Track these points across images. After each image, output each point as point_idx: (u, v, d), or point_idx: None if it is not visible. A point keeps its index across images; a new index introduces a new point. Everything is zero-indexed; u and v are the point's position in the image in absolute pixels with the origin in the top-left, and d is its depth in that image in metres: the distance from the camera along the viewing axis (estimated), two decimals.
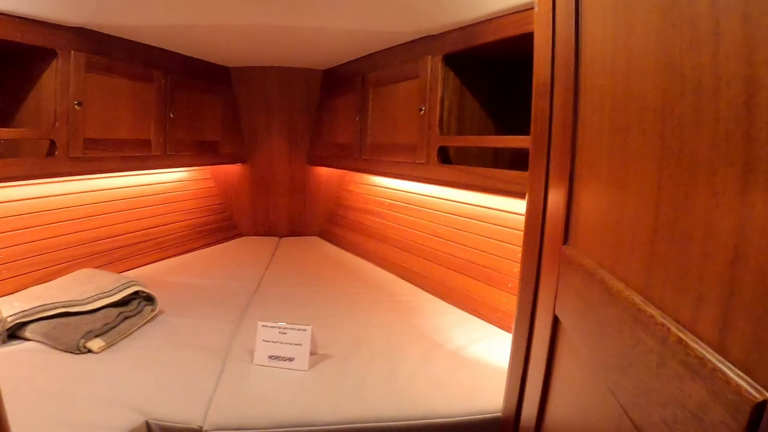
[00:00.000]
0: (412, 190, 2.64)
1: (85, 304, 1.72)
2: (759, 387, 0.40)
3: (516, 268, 1.73)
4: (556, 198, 0.98)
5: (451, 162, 2.07)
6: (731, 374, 0.42)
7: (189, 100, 2.72)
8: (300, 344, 1.55)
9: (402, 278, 2.53)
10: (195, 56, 2.76)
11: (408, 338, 1.77)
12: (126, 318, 1.75)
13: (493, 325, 1.90)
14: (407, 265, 2.53)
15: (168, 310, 1.95)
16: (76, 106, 1.94)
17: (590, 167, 0.82)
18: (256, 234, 3.55)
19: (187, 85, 2.69)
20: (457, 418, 1.32)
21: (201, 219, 3.19)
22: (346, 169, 3.14)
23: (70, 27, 1.90)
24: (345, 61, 2.92)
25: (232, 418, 1.28)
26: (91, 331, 1.59)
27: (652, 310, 0.56)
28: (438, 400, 1.37)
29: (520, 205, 1.63)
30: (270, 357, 1.54)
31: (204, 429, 1.25)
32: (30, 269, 2.01)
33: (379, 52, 2.52)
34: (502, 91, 2.15)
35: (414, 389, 1.42)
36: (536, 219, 1.08)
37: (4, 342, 1.57)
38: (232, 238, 3.42)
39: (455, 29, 1.92)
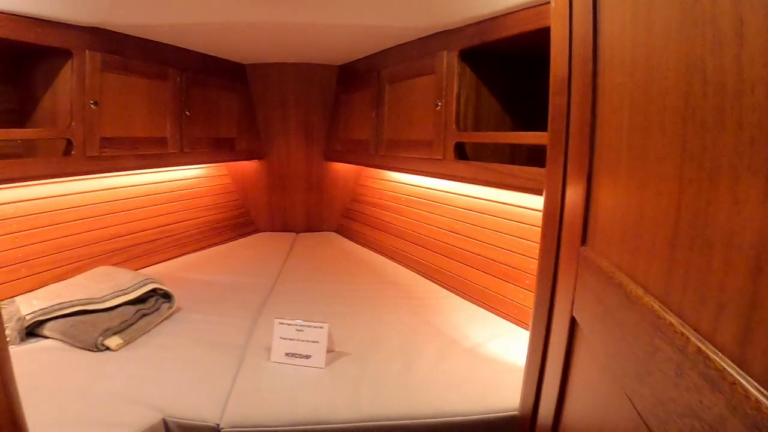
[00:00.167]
0: (428, 185, 2.63)
1: (103, 301, 1.75)
2: None
3: (533, 265, 1.72)
4: (573, 197, 0.96)
5: (468, 158, 2.05)
6: (751, 389, 0.41)
7: (205, 97, 2.73)
8: (317, 341, 1.55)
9: (418, 274, 2.52)
10: (210, 54, 2.77)
11: (424, 335, 1.76)
12: (143, 315, 1.77)
13: (510, 321, 1.89)
14: (424, 261, 2.52)
15: (185, 307, 1.97)
16: (92, 106, 1.96)
17: (609, 167, 0.80)
18: (273, 230, 3.57)
19: (203, 83, 2.70)
20: (473, 417, 1.32)
21: (218, 215, 3.22)
22: (362, 165, 3.13)
23: (85, 27, 1.91)
24: (360, 56, 2.91)
25: (249, 416, 1.29)
26: (108, 329, 1.61)
27: (671, 317, 0.55)
28: (454, 398, 1.37)
29: (537, 201, 1.61)
30: (287, 354, 1.55)
31: (221, 426, 1.26)
32: (48, 267, 2.04)
33: (394, 47, 2.51)
34: (519, 86, 2.12)
35: (430, 387, 1.42)
36: (554, 218, 1.06)
37: (23, 340, 1.60)
38: (249, 234, 3.44)
39: (471, 24, 1.90)
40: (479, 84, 2.06)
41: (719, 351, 0.47)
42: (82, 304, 1.71)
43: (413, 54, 2.33)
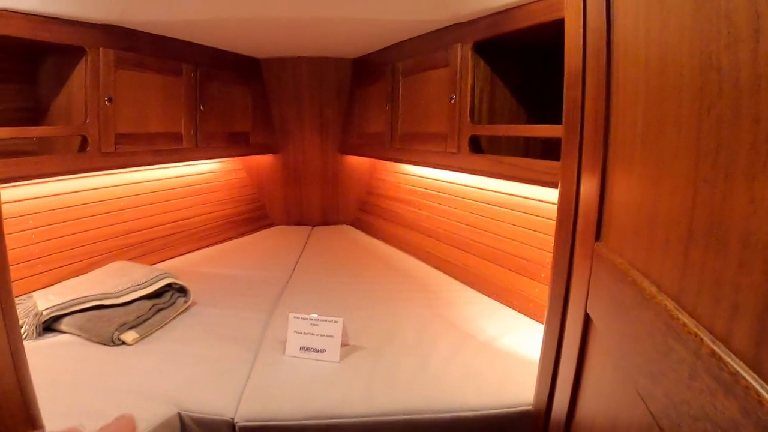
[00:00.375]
0: (443, 178, 2.62)
1: (119, 296, 1.77)
2: None
3: (548, 258, 1.70)
4: (588, 192, 0.95)
5: (482, 151, 2.04)
6: (765, 394, 0.40)
7: (219, 92, 2.73)
8: (331, 336, 1.56)
9: (433, 267, 2.52)
10: (224, 49, 2.77)
11: (439, 329, 1.76)
12: (159, 310, 1.79)
13: (525, 315, 1.87)
14: (439, 254, 2.52)
15: (201, 301, 1.99)
16: (106, 102, 1.97)
17: (623, 161, 0.79)
18: (289, 223, 3.58)
19: (217, 78, 2.71)
20: (487, 411, 1.31)
21: (233, 209, 3.24)
22: (377, 158, 3.13)
23: (99, 24, 1.92)
24: (374, 50, 2.90)
25: (264, 410, 1.30)
26: (124, 324, 1.63)
27: (685, 318, 0.54)
28: (469, 393, 1.36)
29: (552, 194, 1.59)
30: (301, 348, 1.56)
31: (235, 420, 1.27)
32: (64, 263, 2.06)
33: (408, 40, 2.49)
34: (533, 78, 2.10)
35: (445, 382, 1.42)
36: (568, 213, 1.05)
37: (40, 335, 1.62)
38: (265, 227, 3.46)
39: (485, 16, 1.88)
40: (493, 77, 2.04)
41: (733, 354, 0.46)
42: (98, 299, 1.73)
43: (427, 47, 2.31)
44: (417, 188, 2.89)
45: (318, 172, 3.50)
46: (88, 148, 1.94)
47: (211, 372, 1.46)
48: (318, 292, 2.17)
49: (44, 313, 1.64)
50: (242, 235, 3.22)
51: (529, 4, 1.66)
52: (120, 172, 2.37)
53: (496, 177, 1.91)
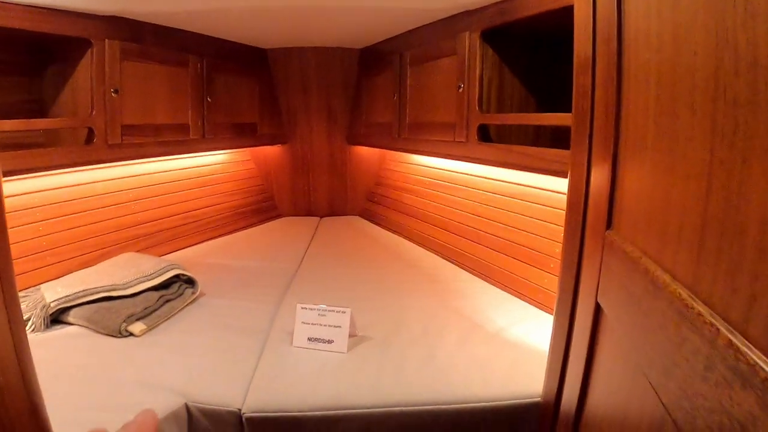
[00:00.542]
0: (452, 168, 2.60)
1: (127, 288, 1.77)
2: None
3: (558, 248, 1.69)
4: (598, 180, 0.93)
5: (491, 140, 2.01)
6: None
7: (226, 83, 2.72)
8: (339, 326, 1.55)
9: (442, 257, 2.51)
10: (230, 39, 2.76)
11: (448, 319, 1.75)
12: (167, 301, 1.79)
13: (534, 305, 1.86)
14: (447, 244, 2.50)
15: (208, 292, 1.99)
16: (112, 94, 1.97)
17: (635, 148, 0.77)
18: (297, 214, 3.58)
19: (224, 68, 2.70)
20: (495, 403, 1.30)
21: (241, 200, 3.23)
22: (385, 148, 3.11)
23: (104, 16, 1.91)
24: (381, 39, 2.87)
25: (271, 401, 1.29)
26: (132, 315, 1.64)
27: (700, 307, 0.52)
28: (477, 384, 1.35)
29: (562, 184, 1.57)
30: (309, 339, 1.55)
31: (243, 412, 1.27)
32: (72, 255, 2.07)
33: (415, 29, 2.47)
34: (542, 66, 2.07)
35: (453, 373, 1.41)
36: (578, 202, 1.03)
37: (47, 327, 1.63)
38: (273, 218, 3.46)
39: (492, 4, 1.85)
40: (502, 65, 2.02)
41: (751, 344, 0.44)
42: (106, 291, 1.73)
43: (434, 35, 2.28)
44: (425, 178, 2.88)
45: (326, 163, 3.49)
46: (94, 140, 1.93)
47: (219, 363, 1.46)
48: (326, 282, 2.17)
49: (52, 305, 1.64)
50: (250, 226, 3.22)
51: None
52: (128, 164, 2.37)
53: (505, 166, 1.89)
